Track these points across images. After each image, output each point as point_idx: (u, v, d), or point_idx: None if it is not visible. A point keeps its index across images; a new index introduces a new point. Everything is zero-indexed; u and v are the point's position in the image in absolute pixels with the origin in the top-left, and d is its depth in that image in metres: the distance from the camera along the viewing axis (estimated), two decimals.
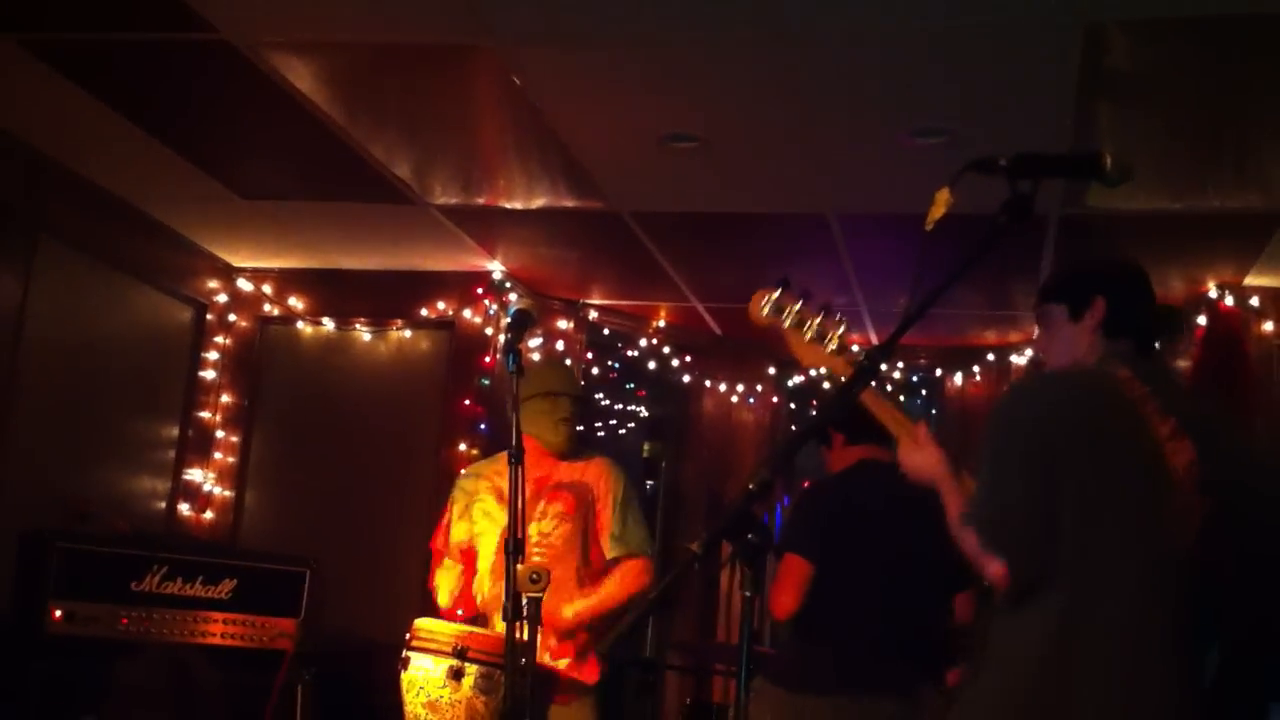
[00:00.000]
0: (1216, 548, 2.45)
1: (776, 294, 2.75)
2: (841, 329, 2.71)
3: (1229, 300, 5.97)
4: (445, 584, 4.33)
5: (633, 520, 4.32)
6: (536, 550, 4.17)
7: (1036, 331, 2.85)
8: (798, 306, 2.74)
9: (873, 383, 2.59)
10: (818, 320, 2.72)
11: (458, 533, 4.36)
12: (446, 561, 4.38)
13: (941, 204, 2.16)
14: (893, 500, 4.23)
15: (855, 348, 2.74)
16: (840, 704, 3.96)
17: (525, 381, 4.23)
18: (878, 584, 4.08)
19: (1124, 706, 2.37)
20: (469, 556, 4.34)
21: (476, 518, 4.31)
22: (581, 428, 4.46)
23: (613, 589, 4.19)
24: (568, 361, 6.60)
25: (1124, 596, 2.40)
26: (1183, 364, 6.09)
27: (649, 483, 7.69)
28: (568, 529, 4.22)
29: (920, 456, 2.64)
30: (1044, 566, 2.42)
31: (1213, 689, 2.45)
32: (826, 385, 7.43)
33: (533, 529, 4.20)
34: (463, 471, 4.61)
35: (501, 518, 4.22)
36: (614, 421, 7.92)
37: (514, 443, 3.49)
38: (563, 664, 4.10)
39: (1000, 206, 2.11)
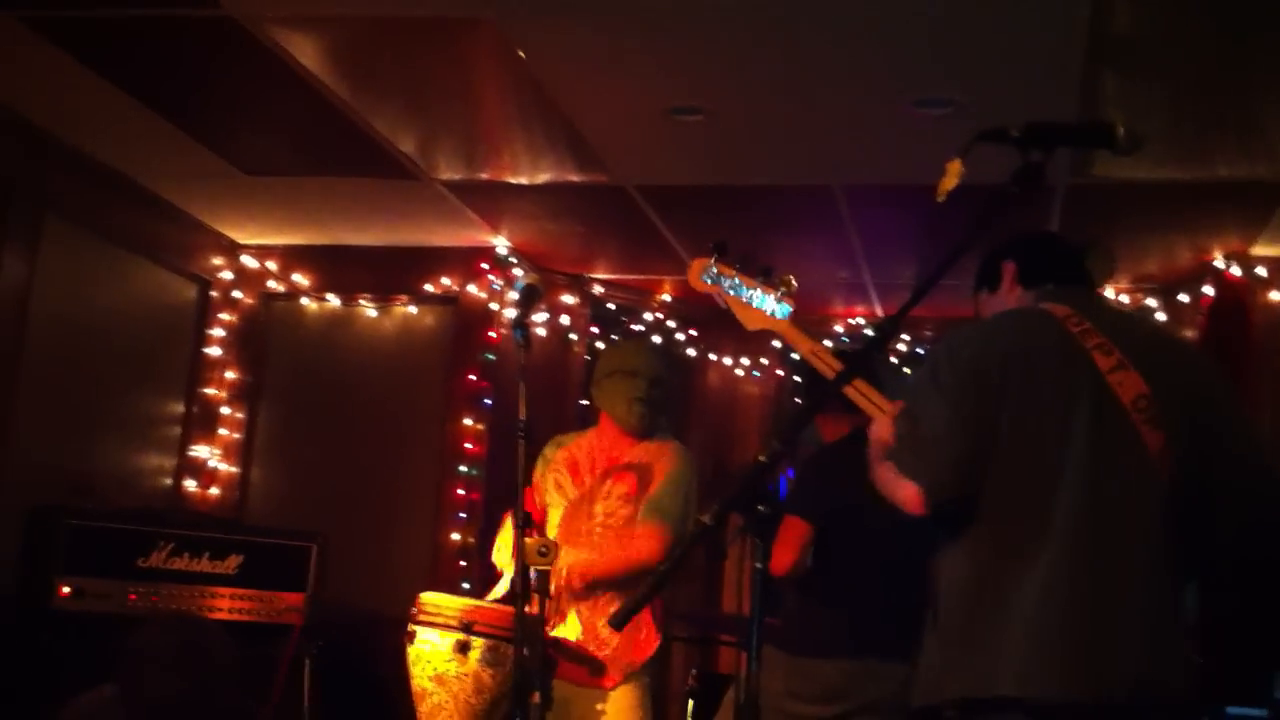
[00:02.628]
0: (1184, 486, 2.42)
1: (713, 260, 2.77)
2: (784, 290, 2.72)
3: (1235, 270, 5.95)
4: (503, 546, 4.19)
5: (675, 498, 4.17)
6: (598, 528, 4.15)
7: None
8: (736, 271, 2.75)
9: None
10: (760, 284, 2.73)
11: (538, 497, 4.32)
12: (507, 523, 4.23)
13: (953, 175, 2.15)
14: None
15: (791, 307, 2.75)
16: (846, 667, 4.00)
17: (604, 357, 4.26)
18: (880, 549, 4.11)
19: (1072, 622, 2.33)
20: (541, 518, 4.29)
21: (549, 487, 4.29)
22: (663, 410, 4.34)
23: (615, 551, 4.10)
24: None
25: (1067, 524, 2.36)
26: (1189, 334, 6.09)
27: None
28: (629, 511, 4.14)
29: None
30: (962, 491, 2.41)
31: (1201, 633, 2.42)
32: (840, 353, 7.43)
33: (598, 507, 4.18)
34: (552, 441, 4.53)
35: (571, 490, 4.23)
36: None
37: (520, 417, 3.49)
38: (609, 649, 4.06)
39: (1011, 176, 2.10)
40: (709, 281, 2.77)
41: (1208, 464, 2.45)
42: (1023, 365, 2.45)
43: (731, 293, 2.75)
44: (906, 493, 2.42)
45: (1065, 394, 2.43)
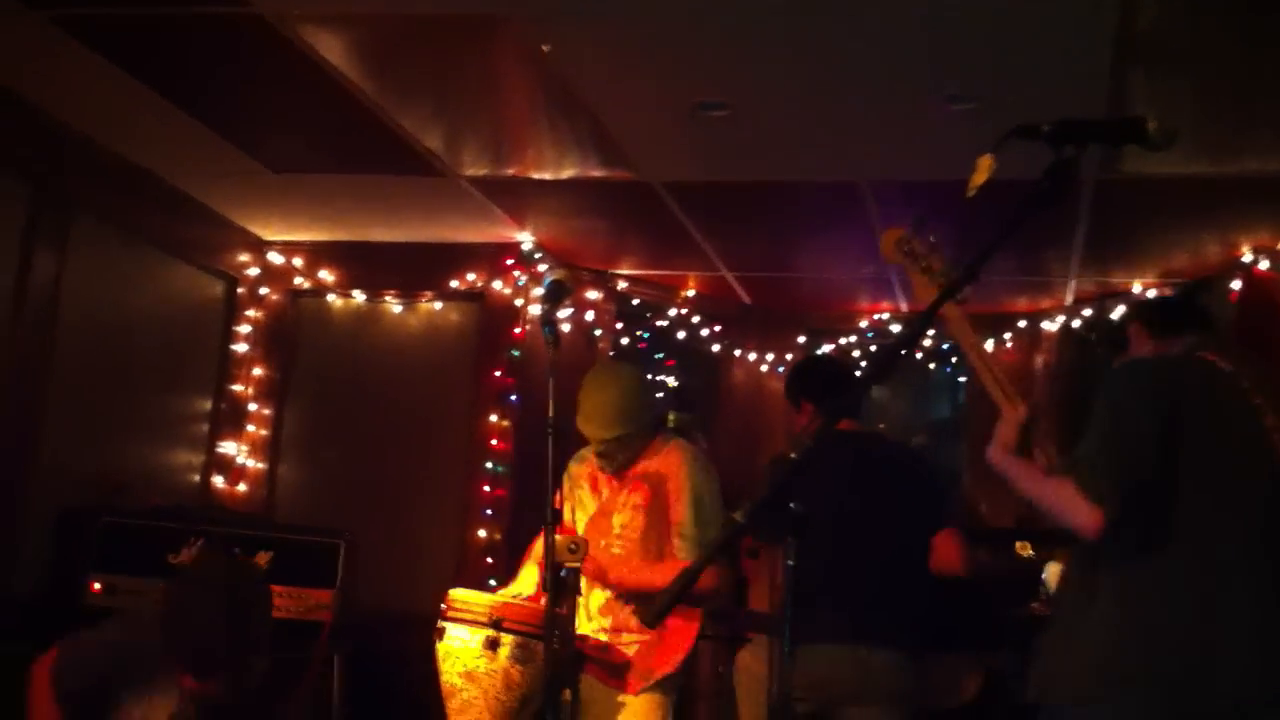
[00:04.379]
0: None
1: (909, 233, 2.91)
2: (959, 277, 2.82)
3: (1264, 265, 5.91)
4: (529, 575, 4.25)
5: (704, 520, 4.12)
6: (617, 541, 4.14)
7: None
8: (927, 249, 2.89)
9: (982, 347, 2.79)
10: (943, 267, 2.86)
11: (565, 514, 4.30)
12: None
13: (984, 170, 2.15)
14: (871, 464, 4.29)
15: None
16: (834, 653, 4.01)
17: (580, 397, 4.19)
18: (860, 540, 4.13)
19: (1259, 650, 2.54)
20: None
21: (576, 503, 4.29)
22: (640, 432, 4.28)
23: (661, 572, 3.99)
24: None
25: (1238, 565, 2.55)
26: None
27: None
28: (643, 521, 4.12)
29: (1007, 433, 2.72)
30: (1135, 516, 2.54)
31: None
32: (855, 354, 7.41)
33: (615, 520, 4.17)
34: (575, 456, 4.43)
35: (591, 505, 4.22)
36: None
37: (549, 415, 3.49)
38: (632, 649, 4.06)
39: (1044, 173, 2.09)
40: (902, 253, 2.90)
41: None
42: (1202, 411, 2.64)
43: (918, 268, 2.88)
44: (1085, 518, 2.53)
45: (1237, 444, 2.64)
